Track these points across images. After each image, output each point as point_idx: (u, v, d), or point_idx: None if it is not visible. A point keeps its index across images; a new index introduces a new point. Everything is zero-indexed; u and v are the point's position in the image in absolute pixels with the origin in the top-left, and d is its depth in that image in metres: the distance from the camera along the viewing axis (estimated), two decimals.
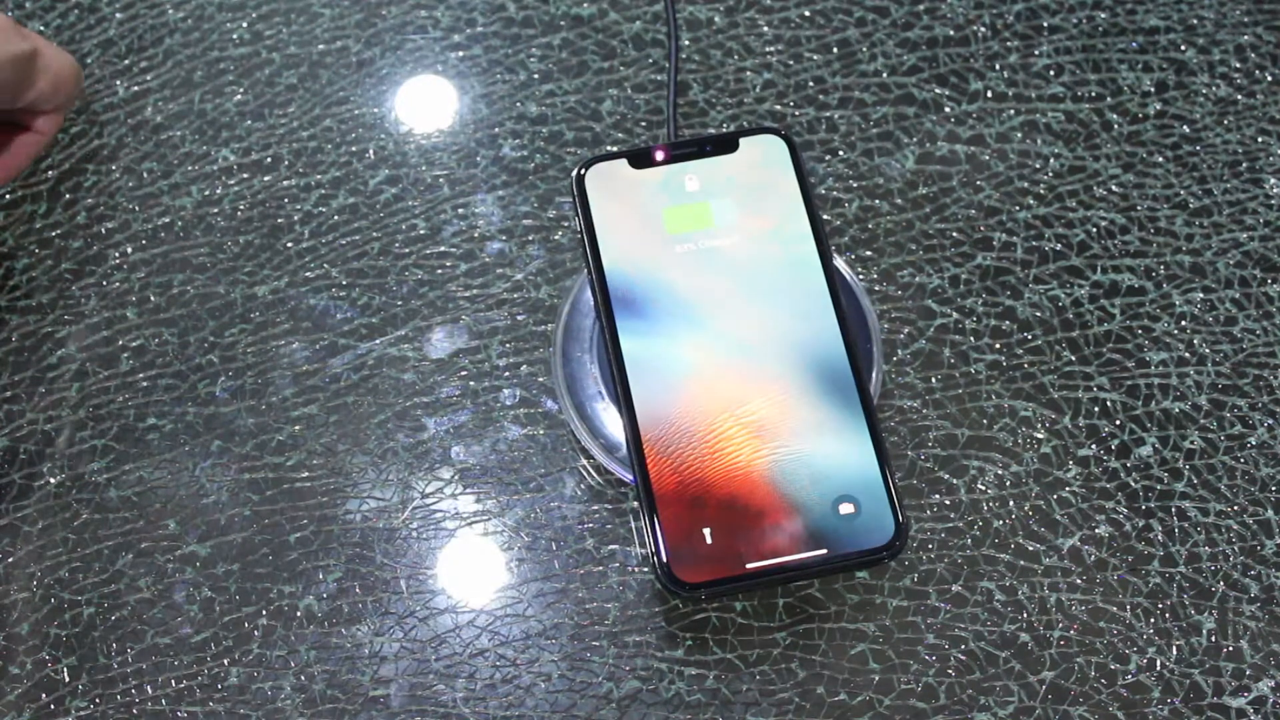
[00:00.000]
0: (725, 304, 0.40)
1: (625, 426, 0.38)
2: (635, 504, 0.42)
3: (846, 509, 0.37)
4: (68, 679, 0.40)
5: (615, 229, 0.40)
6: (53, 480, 0.42)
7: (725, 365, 0.39)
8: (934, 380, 0.44)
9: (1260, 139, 0.48)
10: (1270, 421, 0.43)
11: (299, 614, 0.40)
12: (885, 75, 0.49)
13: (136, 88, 0.49)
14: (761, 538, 0.37)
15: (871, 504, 0.37)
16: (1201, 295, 0.45)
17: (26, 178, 0.47)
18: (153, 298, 0.45)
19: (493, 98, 0.48)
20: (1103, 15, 0.50)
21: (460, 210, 0.46)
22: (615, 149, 0.46)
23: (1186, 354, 0.44)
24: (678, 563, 0.36)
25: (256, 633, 0.40)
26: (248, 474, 0.42)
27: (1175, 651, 0.40)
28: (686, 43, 0.49)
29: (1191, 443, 0.43)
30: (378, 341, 0.44)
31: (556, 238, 0.46)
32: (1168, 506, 0.42)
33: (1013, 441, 0.43)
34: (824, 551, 0.36)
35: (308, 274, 0.45)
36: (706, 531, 0.37)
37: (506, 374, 0.44)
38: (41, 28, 0.50)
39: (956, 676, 0.39)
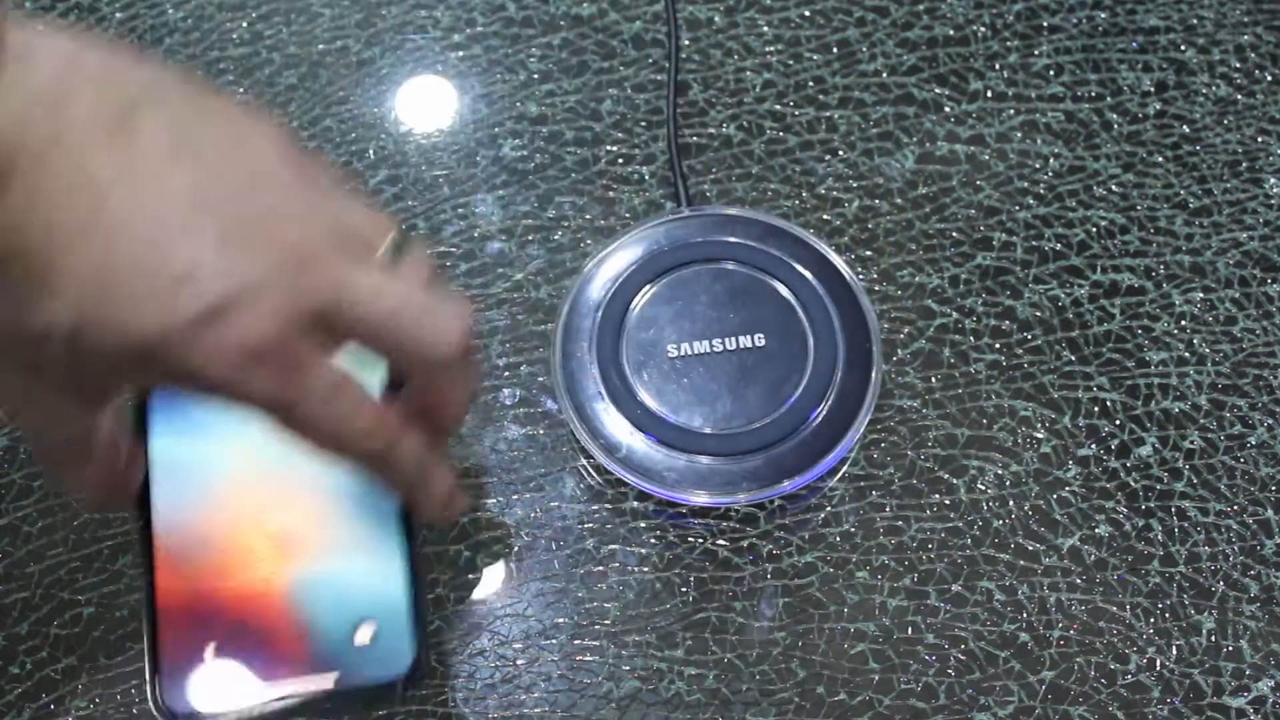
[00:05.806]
0: None
1: (137, 534, 0.35)
2: (635, 504, 0.42)
3: (364, 635, 0.34)
4: (67, 679, 0.40)
5: None
6: None
7: (263, 471, 0.35)
8: (934, 380, 0.44)
9: (1260, 139, 0.48)
10: (1270, 421, 0.43)
11: None
12: (885, 75, 0.49)
13: None
14: (266, 664, 0.34)
15: (392, 632, 0.34)
16: (1201, 295, 0.45)
17: None
18: None
19: (493, 97, 0.48)
20: (1103, 15, 0.50)
21: (460, 210, 0.46)
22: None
23: (1186, 354, 0.44)
24: (171, 688, 0.33)
25: None
26: None
27: (1175, 651, 0.40)
28: (686, 42, 0.49)
29: (1191, 443, 0.43)
30: None
31: (556, 238, 0.46)
32: (1168, 506, 0.42)
33: (1013, 441, 0.43)
34: (333, 681, 0.34)
35: None
36: (208, 654, 0.34)
37: (506, 374, 0.44)
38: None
39: (956, 676, 0.39)
